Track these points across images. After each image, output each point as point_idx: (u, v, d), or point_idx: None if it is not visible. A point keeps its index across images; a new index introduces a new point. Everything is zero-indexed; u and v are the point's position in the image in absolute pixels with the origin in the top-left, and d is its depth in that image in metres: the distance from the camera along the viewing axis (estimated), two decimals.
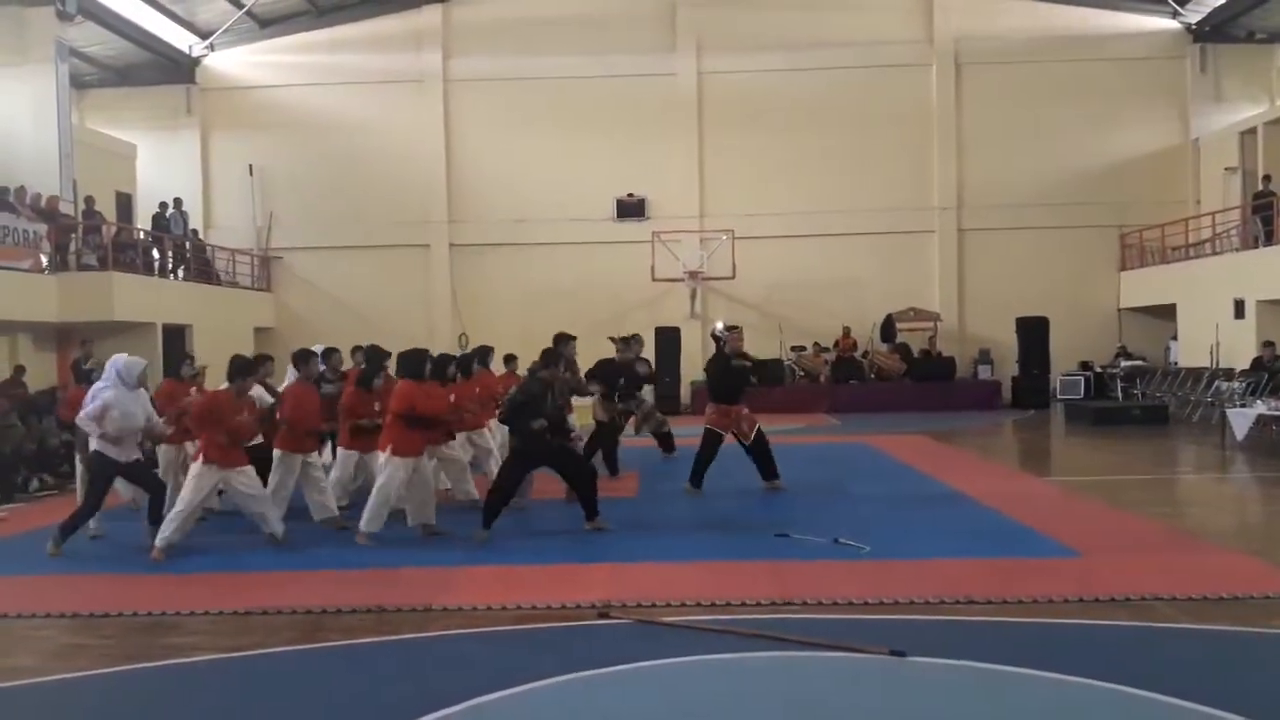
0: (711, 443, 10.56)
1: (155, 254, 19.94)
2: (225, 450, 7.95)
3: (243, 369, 8.28)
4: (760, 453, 10.55)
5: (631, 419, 12.63)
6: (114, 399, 7.88)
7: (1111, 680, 4.68)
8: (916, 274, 23.48)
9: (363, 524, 8.26)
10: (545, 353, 8.77)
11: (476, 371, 10.54)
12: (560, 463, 8.65)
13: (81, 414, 8.01)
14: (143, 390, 8.24)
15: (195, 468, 8.04)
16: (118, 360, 8.16)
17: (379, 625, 5.92)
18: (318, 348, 10.00)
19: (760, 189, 23.28)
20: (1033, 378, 21.24)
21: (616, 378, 11.63)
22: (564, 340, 10.15)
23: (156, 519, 8.13)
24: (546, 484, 10.28)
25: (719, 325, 22.48)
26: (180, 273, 20.80)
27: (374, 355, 9.88)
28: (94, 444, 8.00)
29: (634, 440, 13.15)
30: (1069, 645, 5.31)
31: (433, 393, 8.56)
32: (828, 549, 7.60)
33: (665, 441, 13.10)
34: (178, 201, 21.86)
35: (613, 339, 12.63)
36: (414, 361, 8.64)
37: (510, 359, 12.00)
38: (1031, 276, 22.82)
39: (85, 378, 14.97)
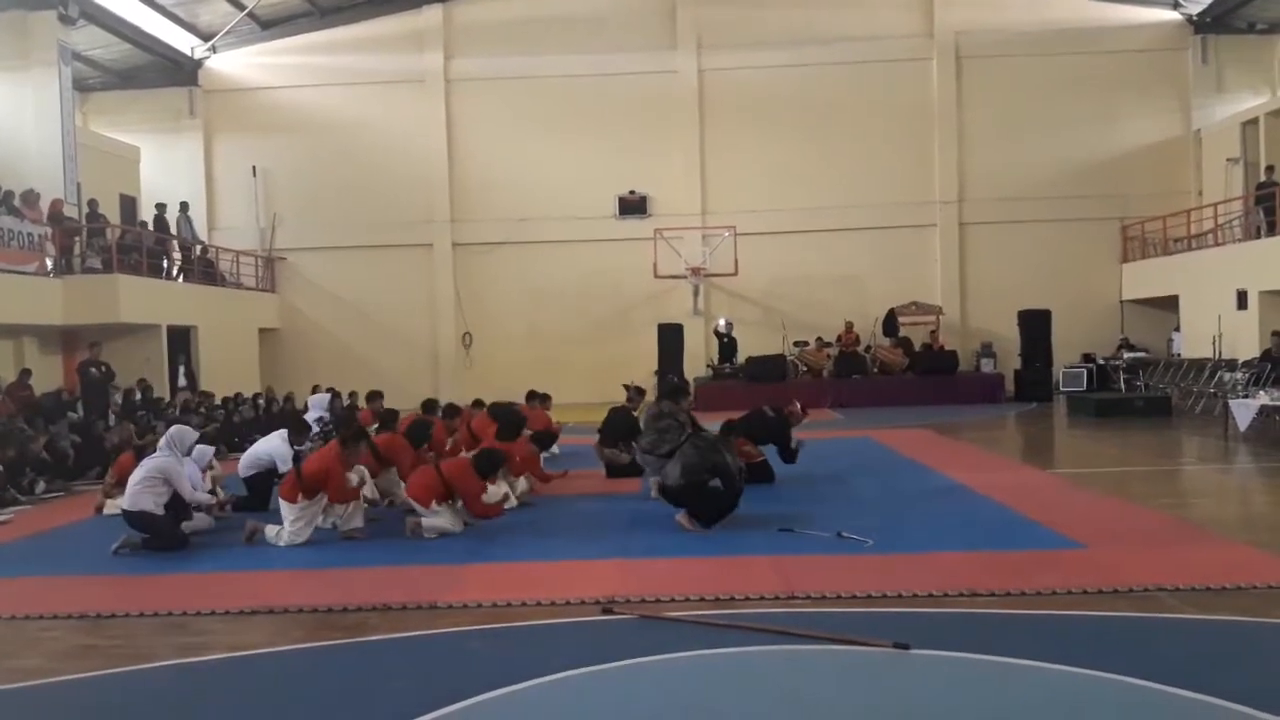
0: None
1: (165, 262, 19.95)
2: None
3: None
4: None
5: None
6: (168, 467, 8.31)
7: (1116, 672, 4.70)
8: (918, 268, 23.49)
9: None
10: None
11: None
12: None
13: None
14: (190, 461, 8.64)
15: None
16: (171, 431, 8.73)
17: (386, 623, 5.95)
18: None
19: (762, 185, 23.31)
20: (1035, 370, 21.23)
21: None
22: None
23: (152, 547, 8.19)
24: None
25: (721, 322, 22.61)
26: (183, 275, 20.82)
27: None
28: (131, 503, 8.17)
29: None
30: (1073, 637, 5.31)
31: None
32: (832, 543, 7.62)
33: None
34: (184, 205, 21.90)
35: (625, 386, 12.88)
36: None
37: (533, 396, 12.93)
38: (1033, 269, 22.84)
39: (97, 383, 15.08)
